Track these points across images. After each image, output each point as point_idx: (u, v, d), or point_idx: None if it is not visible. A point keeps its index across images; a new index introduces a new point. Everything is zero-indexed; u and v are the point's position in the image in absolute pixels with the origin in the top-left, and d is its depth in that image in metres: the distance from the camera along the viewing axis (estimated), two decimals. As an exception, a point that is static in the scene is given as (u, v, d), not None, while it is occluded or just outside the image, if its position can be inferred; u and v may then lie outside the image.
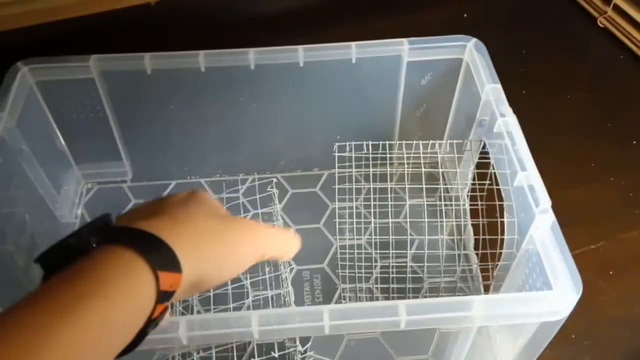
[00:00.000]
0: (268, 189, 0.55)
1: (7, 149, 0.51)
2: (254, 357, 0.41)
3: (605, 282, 0.60)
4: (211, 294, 0.52)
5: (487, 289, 0.57)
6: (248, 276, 0.52)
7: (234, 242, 0.35)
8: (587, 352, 0.55)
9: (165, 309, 0.31)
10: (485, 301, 0.40)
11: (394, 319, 0.39)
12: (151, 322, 0.29)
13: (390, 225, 0.54)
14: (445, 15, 0.88)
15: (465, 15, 0.87)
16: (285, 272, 0.48)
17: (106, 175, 0.67)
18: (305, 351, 0.42)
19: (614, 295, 0.59)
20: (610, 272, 0.61)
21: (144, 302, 0.28)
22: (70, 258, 0.28)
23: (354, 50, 0.57)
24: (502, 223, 0.51)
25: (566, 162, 0.69)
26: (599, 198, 0.68)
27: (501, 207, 0.51)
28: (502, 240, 0.52)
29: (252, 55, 0.57)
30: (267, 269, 0.53)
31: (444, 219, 0.54)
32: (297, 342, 0.42)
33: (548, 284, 0.42)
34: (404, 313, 0.39)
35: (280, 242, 0.40)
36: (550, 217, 0.44)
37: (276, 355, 0.41)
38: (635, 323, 0.58)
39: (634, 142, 0.73)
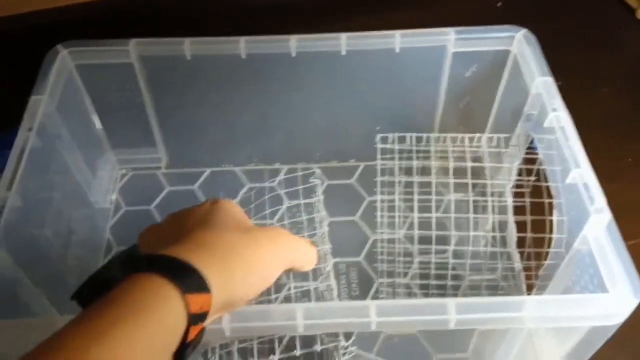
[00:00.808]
0: (311, 180, 0.54)
1: (47, 132, 0.50)
2: (295, 350, 0.40)
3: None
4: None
5: (529, 289, 0.55)
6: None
7: (261, 257, 0.35)
8: (627, 350, 0.53)
9: (202, 331, 0.31)
10: (538, 302, 0.38)
11: (443, 317, 0.37)
12: (188, 345, 0.30)
13: (432, 219, 0.52)
14: (477, 4, 0.85)
15: (499, 4, 0.85)
16: (327, 265, 0.47)
17: (141, 161, 0.66)
18: (347, 347, 0.41)
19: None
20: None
21: (174, 325, 0.29)
22: (103, 290, 0.29)
23: (398, 40, 0.56)
24: (550, 221, 0.49)
25: (602, 156, 0.66)
26: (636, 195, 0.65)
27: (550, 205, 0.49)
28: (549, 239, 0.50)
29: (294, 42, 0.55)
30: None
31: (489, 215, 0.52)
32: (341, 337, 0.41)
33: (603, 286, 0.40)
34: (454, 312, 0.37)
35: (305, 252, 0.39)
36: (607, 216, 0.42)
37: (319, 349, 0.40)
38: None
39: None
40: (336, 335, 0.41)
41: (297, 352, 0.39)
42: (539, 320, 0.38)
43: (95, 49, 0.55)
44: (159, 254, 0.31)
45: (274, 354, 0.40)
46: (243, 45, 0.55)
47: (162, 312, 0.28)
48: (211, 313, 0.31)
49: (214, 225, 0.36)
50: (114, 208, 0.64)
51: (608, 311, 0.38)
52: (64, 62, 0.54)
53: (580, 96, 0.73)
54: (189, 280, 0.30)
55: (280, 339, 0.40)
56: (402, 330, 0.52)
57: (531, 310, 0.38)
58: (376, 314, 0.37)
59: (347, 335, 0.41)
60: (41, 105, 0.50)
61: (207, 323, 0.32)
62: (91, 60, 0.56)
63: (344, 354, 0.41)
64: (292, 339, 0.40)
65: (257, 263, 0.34)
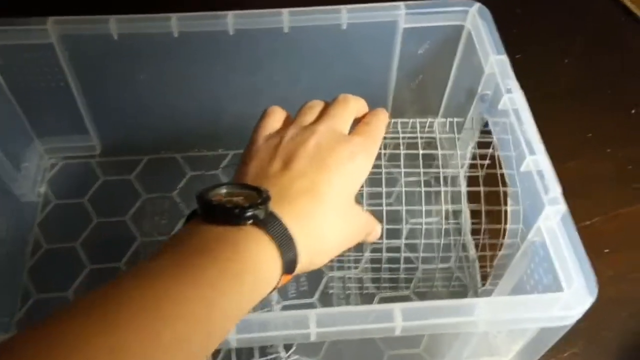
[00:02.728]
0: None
1: (-47, 123, 0.45)
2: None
3: (600, 260, 0.55)
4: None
5: (484, 279, 0.53)
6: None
7: (347, 232, 0.35)
8: (583, 334, 0.52)
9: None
10: (489, 304, 0.35)
11: (389, 325, 0.35)
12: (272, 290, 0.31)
13: (383, 209, 0.49)
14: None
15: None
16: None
17: (72, 149, 0.61)
18: (288, 357, 0.38)
19: (610, 274, 0.56)
20: (606, 250, 0.58)
21: (271, 274, 0.30)
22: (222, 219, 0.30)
23: (345, 15, 0.52)
24: (505, 211, 0.47)
25: (560, 132, 0.64)
26: (594, 171, 0.64)
27: (504, 193, 0.47)
28: (504, 229, 0.48)
29: (231, 19, 0.51)
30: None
31: (442, 204, 0.49)
32: (280, 348, 0.38)
33: (558, 282, 0.37)
34: (400, 318, 0.35)
35: (374, 229, 0.40)
36: (562, 207, 0.40)
37: (257, 362, 0.37)
38: (632, 303, 0.55)
39: (633, 111, 0.68)
40: (275, 346, 0.38)
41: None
42: (490, 324, 0.36)
43: (8, 28, 0.50)
44: (272, 210, 0.31)
45: (208, 366, 0.37)
46: (175, 23, 0.50)
47: (265, 271, 0.30)
48: (298, 268, 0.32)
49: (328, 192, 0.34)
50: (43, 201, 0.59)
51: (563, 312, 0.35)
52: (-28, 43, 0.48)
53: (540, 69, 0.71)
54: (290, 254, 0.31)
55: (215, 353, 0.37)
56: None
57: (482, 314, 0.35)
58: (317, 324, 0.34)
59: (287, 346, 0.38)
60: (-56, 94, 0.44)
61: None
62: (6, 41, 0.50)
63: (285, 363, 0.38)
64: (228, 352, 0.36)
65: (342, 237, 0.35)
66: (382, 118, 0.41)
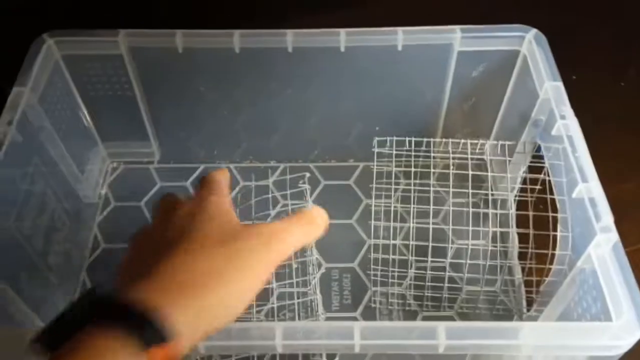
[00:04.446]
0: (300, 184, 0.52)
1: (28, 126, 0.48)
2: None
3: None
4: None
5: (529, 304, 0.53)
6: (274, 275, 0.49)
7: (244, 273, 0.32)
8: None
9: None
10: (535, 329, 0.35)
11: (432, 342, 0.35)
12: None
13: (429, 227, 0.49)
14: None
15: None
16: (314, 275, 0.45)
17: (133, 155, 0.64)
18: (331, 366, 0.39)
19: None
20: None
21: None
22: (69, 335, 0.27)
23: (401, 37, 0.53)
24: (555, 236, 0.47)
25: (613, 154, 0.62)
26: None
27: (554, 219, 0.46)
28: (552, 254, 0.47)
29: (290, 37, 0.52)
30: (294, 267, 0.50)
31: (489, 227, 0.49)
32: (324, 357, 0.38)
33: (606, 311, 0.37)
34: (444, 336, 0.35)
35: (302, 236, 0.36)
36: (614, 235, 0.40)
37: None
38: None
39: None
40: (319, 355, 0.39)
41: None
42: (535, 348, 0.36)
43: (82, 39, 0.53)
44: (121, 300, 0.28)
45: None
46: (237, 39, 0.52)
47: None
48: (186, 347, 0.29)
49: (195, 239, 0.33)
50: (103, 203, 0.62)
51: (610, 342, 0.35)
52: (50, 52, 0.52)
53: (595, 91, 0.70)
54: (151, 332, 0.27)
55: (261, 357, 0.38)
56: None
57: (527, 338, 0.35)
58: (360, 336, 0.35)
59: (330, 356, 0.39)
60: (23, 98, 0.48)
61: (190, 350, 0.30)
62: (79, 51, 0.53)
63: (327, 374, 0.39)
64: (273, 357, 0.38)
65: (239, 282, 0.32)
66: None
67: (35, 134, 0.50)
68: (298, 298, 0.44)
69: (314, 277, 0.45)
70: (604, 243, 0.40)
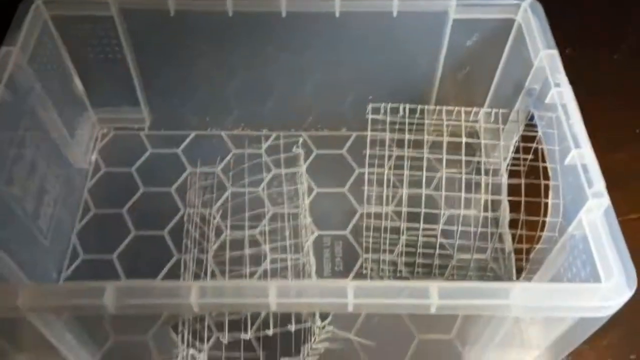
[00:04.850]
0: (294, 149, 0.51)
1: (17, 86, 0.47)
2: (269, 328, 0.38)
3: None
4: (227, 256, 0.49)
5: (519, 272, 0.53)
6: (267, 239, 0.49)
7: None
8: (619, 328, 0.51)
9: None
10: (525, 290, 0.36)
11: (425, 301, 0.35)
12: None
13: (422, 195, 0.50)
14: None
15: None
16: (307, 239, 0.45)
17: (123, 121, 0.63)
18: (324, 326, 0.39)
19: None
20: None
21: None
22: None
23: (396, 3, 0.52)
24: (546, 204, 0.47)
25: (606, 126, 0.61)
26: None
27: (546, 187, 0.47)
28: (542, 222, 0.48)
29: (284, 1, 0.52)
30: (287, 233, 0.50)
31: (482, 194, 0.50)
32: (317, 316, 0.39)
33: (596, 274, 0.38)
34: (436, 296, 0.35)
35: None
36: (605, 200, 0.40)
37: (292, 329, 0.38)
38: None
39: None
40: (312, 314, 0.39)
41: (270, 331, 0.37)
42: (525, 309, 0.36)
43: (72, 0, 0.52)
44: None
45: (246, 331, 0.39)
46: (230, 2, 0.51)
47: None
48: None
49: None
50: (93, 168, 0.61)
51: (600, 303, 0.35)
52: (39, 12, 0.51)
53: (589, 63, 0.70)
54: None
55: (254, 316, 0.38)
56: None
57: (518, 298, 0.35)
58: (354, 295, 0.35)
59: (324, 315, 0.39)
60: (12, 57, 0.47)
61: None
62: (68, 12, 0.52)
63: (319, 334, 0.39)
64: (267, 316, 0.38)
65: None
66: None
67: (25, 96, 0.49)
68: (291, 262, 0.44)
69: (307, 241, 0.45)
70: (595, 208, 0.40)
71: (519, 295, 0.35)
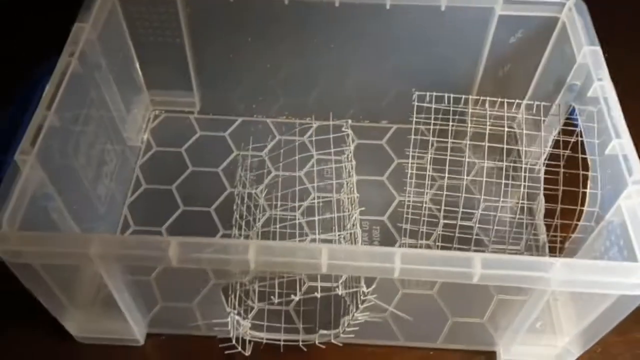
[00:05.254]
0: (343, 129, 0.54)
1: (87, 61, 0.51)
2: (316, 292, 0.40)
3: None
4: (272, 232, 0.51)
5: (553, 262, 0.54)
6: (316, 211, 0.51)
7: None
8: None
9: None
10: (565, 264, 0.38)
11: (468, 270, 0.37)
12: None
13: (462, 183, 0.52)
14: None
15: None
16: (355, 212, 0.47)
17: (175, 104, 0.67)
18: (367, 293, 0.41)
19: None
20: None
21: None
22: None
23: (445, -3, 0.55)
24: (583, 194, 0.49)
25: None
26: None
27: (584, 177, 0.48)
28: (579, 211, 0.49)
29: (338, -8, 0.55)
30: (334, 207, 0.52)
31: (520, 184, 0.51)
32: (362, 283, 0.41)
33: (634, 257, 0.39)
34: (479, 266, 0.37)
35: None
36: (645, 189, 0.41)
37: (340, 292, 0.40)
38: None
39: None
40: (357, 281, 0.42)
41: (318, 294, 0.40)
42: (564, 283, 0.38)
43: (139, -18, 0.55)
44: None
45: (295, 294, 0.41)
46: (287, -10, 0.54)
47: None
48: None
49: None
50: (145, 147, 0.65)
51: (637, 280, 0.37)
52: (108, -7, 0.54)
53: (625, 68, 0.71)
54: None
55: (302, 281, 0.40)
56: (421, 290, 0.52)
57: (557, 272, 0.37)
58: (400, 260, 0.37)
59: (368, 283, 0.41)
60: (84, 33, 0.50)
61: None
62: (136, -6, 0.56)
63: (363, 301, 0.42)
64: (314, 279, 0.40)
65: None
66: None
67: (93, 71, 0.52)
68: (339, 234, 0.47)
69: (355, 214, 0.47)
70: (635, 195, 0.42)
71: (559, 269, 0.37)
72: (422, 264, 0.37)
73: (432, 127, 0.54)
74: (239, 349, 0.46)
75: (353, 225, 0.46)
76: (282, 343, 0.48)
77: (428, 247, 0.56)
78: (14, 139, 0.49)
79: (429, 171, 0.55)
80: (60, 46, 0.50)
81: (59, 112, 0.45)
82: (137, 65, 0.62)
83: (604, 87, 0.48)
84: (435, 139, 0.54)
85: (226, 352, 0.47)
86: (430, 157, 0.55)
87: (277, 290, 0.42)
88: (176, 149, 0.64)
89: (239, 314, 0.47)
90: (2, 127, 0.53)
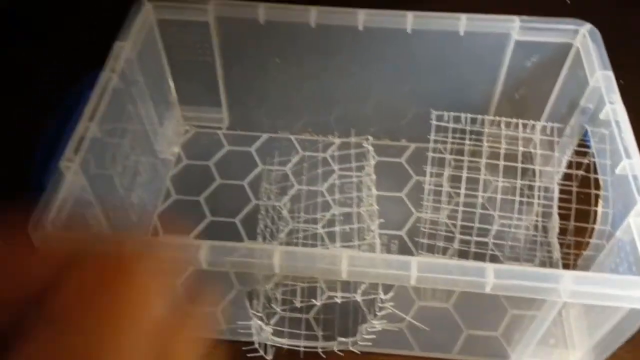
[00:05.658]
0: (364, 144, 0.57)
1: (126, 77, 0.54)
2: (336, 298, 0.43)
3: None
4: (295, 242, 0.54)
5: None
6: (336, 222, 0.53)
7: None
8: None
9: None
10: (576, 276, 0.39)
11: (481, 279, 0.39)
12: None
13: (478, 200, 0.54)
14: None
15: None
16: (374, 224, 0.50)
17: (204, 119, 0.70)
18: (384, 301, 0.43)
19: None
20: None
21: None
22: None
23: (464, 22, 0.57)
24: (595, 212, 0.50)
25: None
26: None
27: (596, 196, 0.50)
28: (591, 229, 0.51)
29: (362, 17, 0.58)
30: (354, 219, 0.55)
31: (534, 202, 0.53)
32: (380, 290, 0.43)
33: (642, 272, 0.41)
34: (492, 276, 0.39)
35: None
36: (653, 207, 0.43)
37: (358, 298, 0.42)
38: None
39: None
40: (375, 288, 0.44)
41: (339, 299, 0.42)
42: (575, 294, 0.39)
43: (176, 5, 0.59)
44: None
45: (315, 299, 0.43)
46: (314, 14, 0.58)
47: None
48: None
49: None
50: (176, 160, 0.68)
51: (647, 294, 0.39)
52: (147, 14, 0.58)
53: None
54: None
55: (321, 290, 0.43)
56: (437, 303, 0.54)
57: (568, 283, 0.39)
58: (417, 269, 0.39)
59: (386, 292, 0.43)
60: (124, 51, 0.54)
61: None
62: (171, 16, 0.59)
63: (380, 308, 0.44)
64: (333, 288, 0.42)
65: None
66: None
67: (131, 87, 0.56)
68: (358, 243, 0.49)
69: (374, 225, 0.49)
70: (643, 212, 0.43)
71: (570, 281, 0.39)
72: (437, 272, 0.39)
73: (449, 145, 0.56)
74: (261, 352, 0.49)
75: (372, 237, 0.49)
76: (302, 349, 0.50)
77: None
78: (58, 146, 0.52)
79: (446, 188, 0.58)
80: (99, 63, 0.53)
81: (99, 124, 0.48)
82: (171, 82, 0.66)
83: (615, 110, 0.50)
84: (453, 157, 0.57)
85: (248, 355, 0.49)
86: (448, 175, 0.58)
87: (299, 298, 0.45)
88: (205, 162, 0.68)
89: (261, 319, 0.49)
90: (50, 135, 0.56)
